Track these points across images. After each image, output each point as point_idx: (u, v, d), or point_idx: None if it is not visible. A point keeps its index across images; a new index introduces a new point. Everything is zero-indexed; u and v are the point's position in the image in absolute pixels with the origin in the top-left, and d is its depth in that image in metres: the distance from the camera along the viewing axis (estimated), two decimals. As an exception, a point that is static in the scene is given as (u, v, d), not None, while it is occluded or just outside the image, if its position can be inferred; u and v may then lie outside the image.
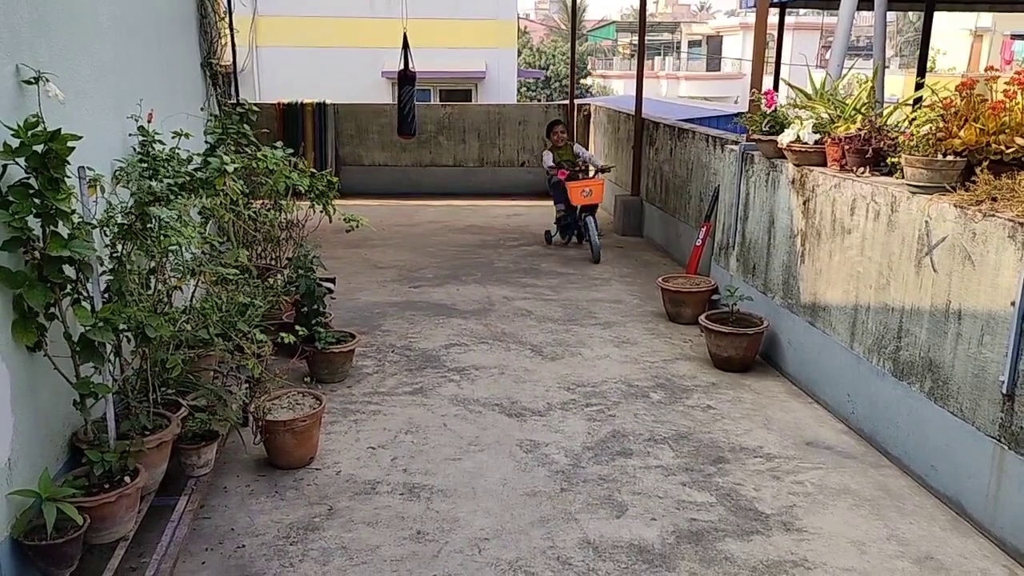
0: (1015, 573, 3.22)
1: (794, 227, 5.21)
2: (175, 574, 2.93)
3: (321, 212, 5.35)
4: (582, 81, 40.77)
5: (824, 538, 3.46)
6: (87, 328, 2.80)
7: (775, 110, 5.50)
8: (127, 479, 2.99)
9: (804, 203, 5.07)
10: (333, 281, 6.29)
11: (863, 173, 4.57)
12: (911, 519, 3.62)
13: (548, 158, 8.52)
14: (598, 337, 6.01)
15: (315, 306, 5.12)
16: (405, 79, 10.67)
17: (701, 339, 5.66)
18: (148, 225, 3.18)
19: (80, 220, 2.85)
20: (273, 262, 5.57)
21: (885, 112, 4.92)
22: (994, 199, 3.58)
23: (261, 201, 5.64)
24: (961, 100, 3.96)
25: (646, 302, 6.87)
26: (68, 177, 2.78)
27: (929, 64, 6.19)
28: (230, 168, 3.45)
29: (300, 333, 4.40)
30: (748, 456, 4.20)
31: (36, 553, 2.70)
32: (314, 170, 5.21)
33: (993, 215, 3.46)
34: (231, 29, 7.13)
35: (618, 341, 5.94)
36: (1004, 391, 3.33)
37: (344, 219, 5.11)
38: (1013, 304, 3.29)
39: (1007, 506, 3.36)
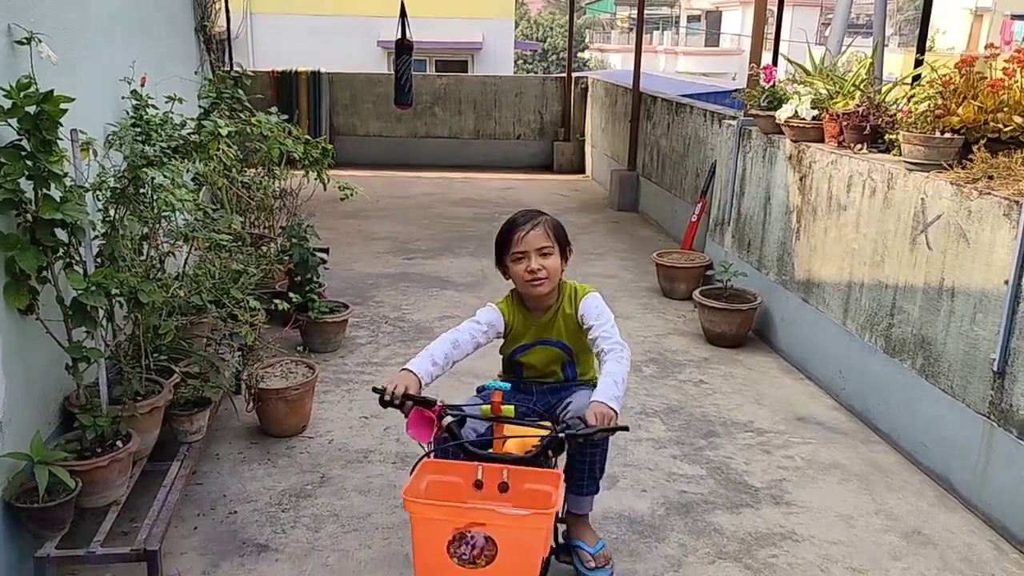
0: (1000, 548, 3.26)
1: (790, 203, 5.20)
2: (167, 538, 2.93)
3: (315, 180, 5.31)
4: (580, 54, 40.50)
5: (812, 512, 3.49)
6: (79, 292, 2.78)
7: (774, 85, 5.48)
8: (119, 444, 2.98)
9: (800, 179, 5.06)
10: (327, 251, 6.26)
11: (860, 150, 4.56)
12: (899, 494, 3.65)
13: (477, 330, 2.81)
14: (592, 311, 6.00)
15: (309, 275, 5.10)
16: (402, 48, 10.58)
17: (694, 314, 5.67)
18: (141, 190, 3.15)
19: (72, 183, 2.82)
20: (267, 231, 5.54)
21: (884, 89, 4.90)
22: (990, 177, 3.58)
23: (255, 169, 5.60)
24: (960, 78, 3.94)
25: (640, 277, 6.87)
26: (60, 140, 2.74)
27: (928, 43, 6.17)
28: (224, 132, 3.41)
29: (294, 300, 4.38)
30: (739, 430, 4.22)
31: (28, 516, 2.70)
32: (308, 137, 5.16)
33: (989, 193, 3.46)
34: (226, -6, 7.03)
35: (611, 315, 5.93)
36: (995, 369, 3.35)
37: (339, 187, 5.08)
38: (1006, 282, 3.29)
39: (994, 482, 3.39)
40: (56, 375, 3.05)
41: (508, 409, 2.33)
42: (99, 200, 3.16)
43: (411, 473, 2.20)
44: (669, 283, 6.35)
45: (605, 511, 3.44)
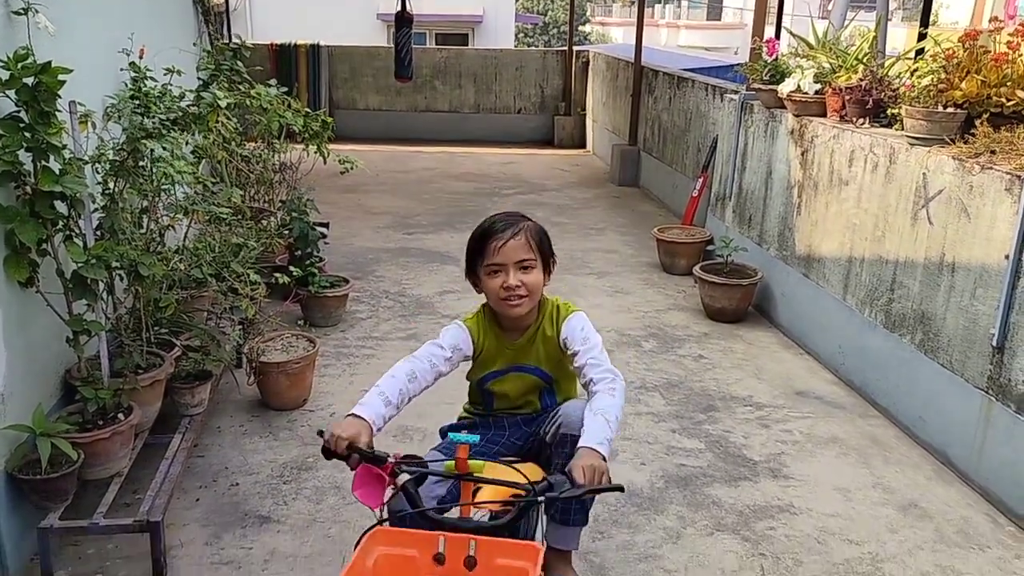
0: (996, 521, 3.29)
1: (791, 178, 5.18)
2: (169, 510, 2.96)
3: (315, 154, 5.29)
4: (580, 28, 40.15)
5: (810, 485, 3.52)
6: (79, 265, 2.78)
7: (776, 59, 5.44)
8: (121, 416, 2.99)
9: (802, 154, 5.04)
10: (327, 226, 6.25)
11: (863, 124, 4.53)
12: (897, 468, 3.67)
13: (439, 357, 2.40)
14: (592, 286, 6.02)
15: (309, 250, 5.10)
16: (402, 21, 10.49)
17: (695, 290, 5.67)
18: (140, 163, 3.13)
19: (71, 156, 2.81)
20: (267, 204, 5.53)
21: (887, 63, 4.87)
22: (993, 152, 3.56)
23: (254, 143, 5.57)
24: (964, 51, 3.91)
25: (641, 252, 6.86)
26: (59, 112, 2.73)
27: (932, 17, 6.11)
28: (223, 103, 3.39)
29: (295, 274, 4.38)
30: (738, 405, 4.24)
31: (31, 487, 2.72)
32: (308, 110, 5.14)
33: (991, 168, 3.45)
34: (224, -35, 6.97)
35: (612, 291, 5.94)
36: (994, 344, 3.35)
37: (339, 161, 5.06)
38: (1007, 257, 3.29)
39: (992, 456, 3.41)
40: (57, 348, 3.06)
41: (477, 465, 1.88)
42: (98, 173, 3.15)
43: (356, 547, 1.80)
44: (670, 258, 6.35)
45: (604, 484, 3.45)
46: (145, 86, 3.57)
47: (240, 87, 4.49)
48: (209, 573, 2.85)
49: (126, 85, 3.71)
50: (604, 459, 1.97)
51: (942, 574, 2.96)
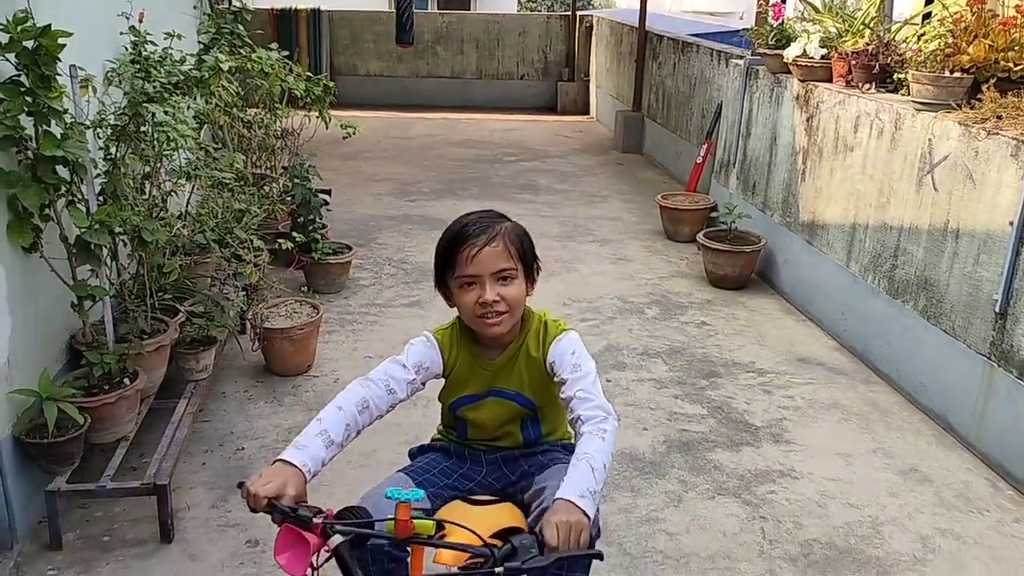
0: (996, 485, 3.31)
1: (796, 144, 5.15)
2: (176, 474, 2.98)
3: (316, 120, 5.26)
4: (584, -6, 39.63)
5: (812, 450, 3.54)
6: (83, 230, 2.78)
7: (782, 23, 5.38)
8: (126, 381, 3.01)
9: (807, 120, 5.01)
10: (329, 193, 6.24)
11: (869, 89, 4.50)
12: (898, 433, 3.70)
13: (399, 380, 2.02)
14: (595, 254, 6.01)
15: (311, 216, 5.09)
16: (404, -16, 10.37)
17: (698, 257, 5.66)
18: (142, 128, 3.12)
19: (73, 120, 2.80)
20: (268, 171, 5.51)
21: (894, 28, 4.81)
22: (999, 117, 3.53)
23: (255, 109, 5.54)
24: (971, 15, 3.86)
25: (644, 220, 6.84)
26: (59, 76, 2.71)
27: (941, -21, 6.02)
28: (225, 67, 3.37)
29: (298, 240, 4.38)
30: (740, 371, 4.25)
31: (38, 451, 2.74)
32: (310, 74, 5.10)
33: (997, 133, 3.42)
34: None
35: (615, 258, 5.94)
36: (997, 310, 3.35)
37: (341, 126, 5.03)
38: (1011, 223, 3.28)
39: (992, 422, 3.42)
40: (62, 313, 3.07)
41: (425, 525, 1.57)
42: (99, 138, 3.14)
43: None
44: (673, 225, 6.33)
45: (607, 449, 3.48)
46: (145, 50, 3.54)
47: (241, 51, 4.45)
48: (216, 535, 2.88)
49: (126, 49, 3.67)
50: (586, 516, 1.60)
51: (941, 537, 2.99)
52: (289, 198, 4.99)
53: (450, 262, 1.92)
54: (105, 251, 2.99)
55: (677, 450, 3.52)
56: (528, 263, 1.97)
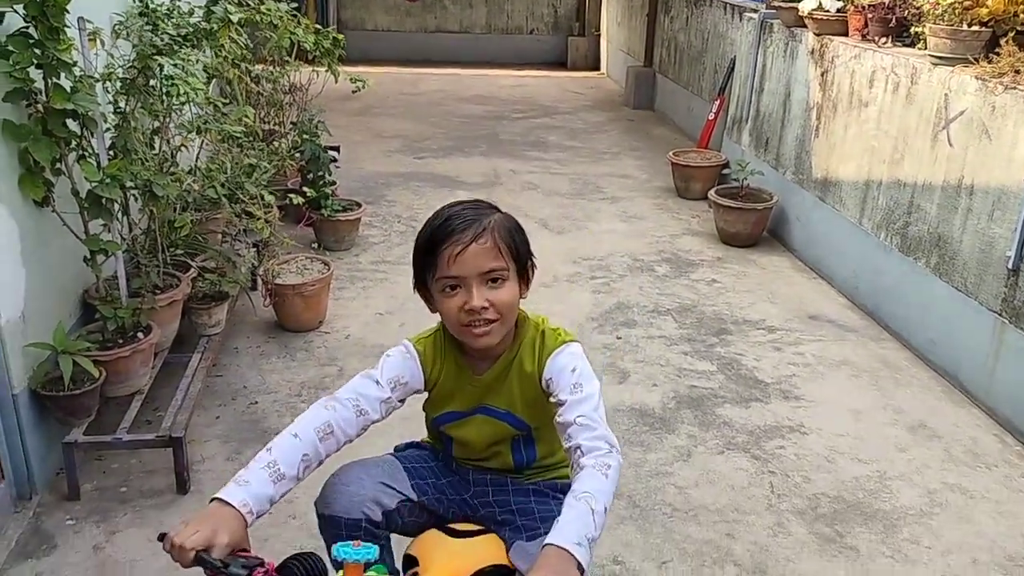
0: (1004, 441, 3.32)
1: (810, 100, 5.08)
2: (190, 427, 3.02)
3: (325, 75, 5.21)
4: (594, -53, 38.90)
5: (821, 405, 3.55)
6: (94, 184, 2.78)
7: (798, -25, 5.27)
8: (140, 335, 3.03)
9: (822, 75, 4.94)
10: (337, 150, 6.21)
11: (885, 43, 4.42)
12: (907, 390, 3.70)
13: (371, 399, 1.75)
14: (605, 211, 5.99)
15: (320, 173, 5.07)
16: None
17: (709, 214, 5.64)
18: (151, 81, 3.10)
19: (82, 73, 2.78)
20: (277, 127, 5.48)
21: (913, -21, 4.71)
22: (1017, 72, 3.48)
23: (263, 64, 5.49)
24: (993, -34, 3.78)
25: (655, 177, 6.80)
26: (68, 27, 2.69)
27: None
28: (234, 19, 3.33)
29: (308, 195, 4.37)
30: (750, 328, 4.25)
31: (54, 404, 2.78)
32: (319, 26, 5.04)
33: (1015, 88, 3.37)
34: None
35: (625, 216, 5.91)
36: (1010, 266, 3.33)
37: (350, 79, 4.99)
38: (1029, 179, 3.24)
39: (1003, 378, 3.42)
40: (75, 268, 3.08)
41: None
42: (108, 92, 3.12)
43: None
44: (684, 183, 6.29)
45: (616, 404, 3.51)
46: (153, 2, 3.49)
47: (249, 3, 4.39)
48: (231, 487, 2.92)
49: (133, 1, 3.63)
50: (580, 568, 1.36)
51: (949, 491, 3.01)
52: (298, 154, 4.97)
53: (430, 262, 1.67)
54: (116, 206, 2.99)
55: (686, 406, 3.53)
56: (522, 261, 1.71)
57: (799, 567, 2.64)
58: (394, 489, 1.79)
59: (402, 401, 1.79)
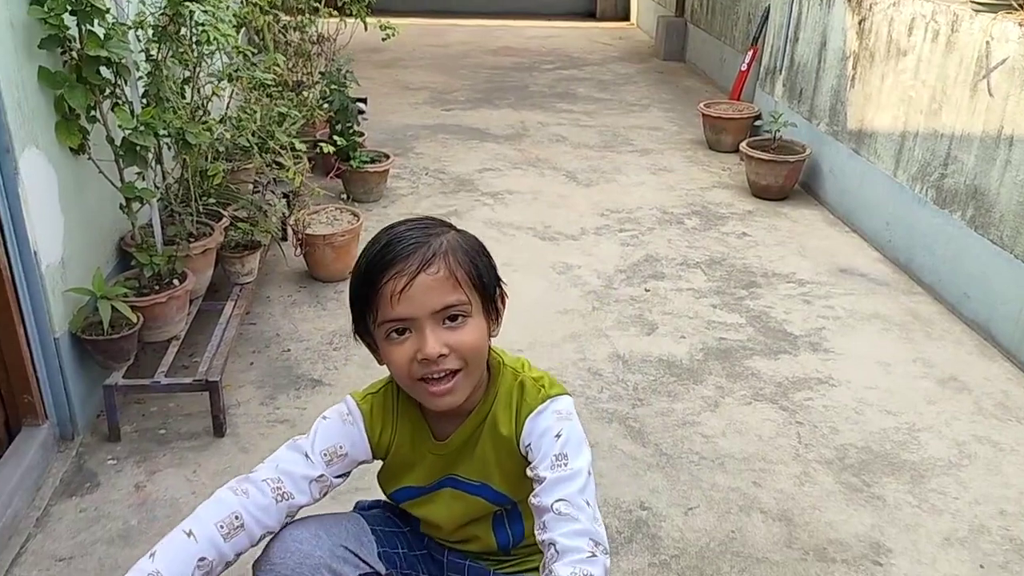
0: (1036, 395, 3.30)
1: (847, 49, 4.98)
2: (225, 373, 3.08)
3: (353, 25, 5.19)
4: None
5: (851, 358, 3.54)
6: (128, 132, 2.80)
7: (836, -80, 5.13)
8: (175, 282, 3.09)
9: (859, 23, 4.82)
10: (365, 101, 6.20)
11: (926, -10, 4.30)
12: (939, 343, 3.68)
13: (295, 479, 1.42)
14: (634, 164, 5.94)
15: (349, 124, 5.07)
16: None
17: (740, 167, 5.57)
18: (182, 29, 3.10)
19: (115, 20, 2.79)
20: (305, 78, 5.47)
21: (956, -78, 4.56)
22: (1065, 17, 3.38)
23: (290, 16, 5.46)
24: (1042, -93, 3.65)
25: (685, 129, 6.72)
26: (100, -27, 2.69)
27: None
28: (265, -36, 3.32)
29: (339, 143, 4.38)
30: (780, 281, 4.23)
31: (94, 347, 2.84)
32: (347, -28, 5.01)
33: (1062, 34, 3.28)
34: None
35: (655, 168, 5.86)
36: (1049, 219, 3.28)
37: (380, 26, 4.96)
38: (1071, 129, 3.17)
39: (1037, 332, 3.39)
40: (111, 216, 3.13)
41: None
42: (140, 40, 3.13)
43: None
44: (715, 135, 6.21)
45: (644, 355, 3.52)
46: (182, -51, 3.48)
47: (278, -50, 4.38)
48: (265, 429, 2.99)
49: (162, -51, 3.62)
50: None
51: (978, 443, 3.01)
52: (326, 105, 4.97)
53: (369, 301, 1.32)
54: (150, 154, 3.02)
55: (714, 357, 3.54)
56: (488, 291, 1.36)
57: (825, 515, 2.66)
58: (357, 557, 1.45)
59: (344, 476, 1.44)
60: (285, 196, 4.22)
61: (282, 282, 4.11)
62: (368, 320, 1.35)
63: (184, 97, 3.38)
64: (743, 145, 5.36)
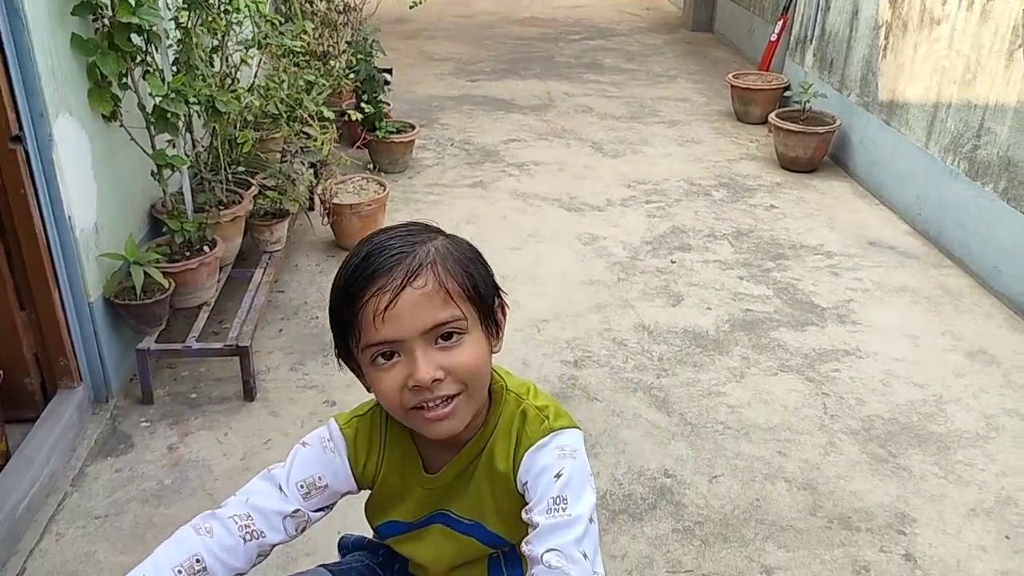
0: (1067, 369, 3.27)
1: (879, 18, 4.89)
2: (255, 339, 3.12)
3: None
4: None
5: (879, 331, 3.52)
6: (160, 99, 2.83)
7: None
8: (206, 249, 3.12)
9: (893, -9, 4.73)
10: (390, 72, 6.19)
11: (963, -44, 4.21)
12: (968, 316, 3.64)
13: (266, 514, 1.23)
14: (661, 135, 5.89)
15: (375, 94, 5.07)
16: None
17: (768, 139, 5.52)
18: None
19: (145, -13, 2.81)
20: (331, 48, 5.48)
21: None
22: (1107, -16, 3.30)
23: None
24: None
25: (713, 100, 6.65)
26: (130, -60, 2.71)
27: None
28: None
29: (367, 111, 4.39)
30: (808, 253, 4.20)
31: (127, 312, 2.89)
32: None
33: (1104, 1, 3.20)
34: None
35: (682, 140, 5.82)
36: (1085, 191, 3.23)
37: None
38: (1111, 98, 3.11)
39: (1069, 306, 3.35)
40: (142, 183, 3.17)
41: None
42: (170, 8, 3.15)
43: None
44: (743, 106, 6.14)
45: (669, 326, 3.52)
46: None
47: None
48: (295, 394, 3.04)
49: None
50: None
51: (1006, 416, 2.99)
52: (352, 75, 4.97)
53: (351, 322, 1.14)
54: (181, 121, 3.05)
55: (741, 329, 3.53)
56: (486, 303, 1.19)
57: (850, 485, 2.66)
58: None
59: (325, 509, 1.28)
60: (312, 166, 4.24)
61: (310, 251, 4.14)
62: (351, 343, 1.17)
63: (213, 65, 3.40)
64: (772, 116, 5.30)
